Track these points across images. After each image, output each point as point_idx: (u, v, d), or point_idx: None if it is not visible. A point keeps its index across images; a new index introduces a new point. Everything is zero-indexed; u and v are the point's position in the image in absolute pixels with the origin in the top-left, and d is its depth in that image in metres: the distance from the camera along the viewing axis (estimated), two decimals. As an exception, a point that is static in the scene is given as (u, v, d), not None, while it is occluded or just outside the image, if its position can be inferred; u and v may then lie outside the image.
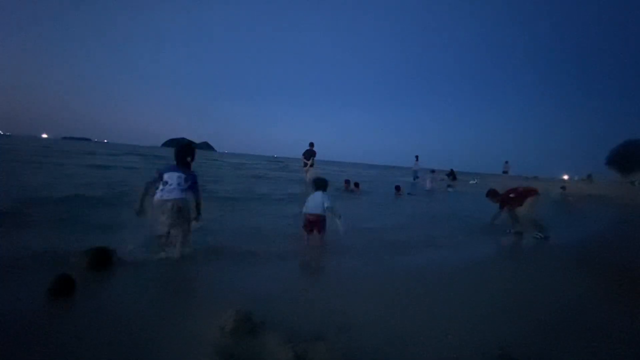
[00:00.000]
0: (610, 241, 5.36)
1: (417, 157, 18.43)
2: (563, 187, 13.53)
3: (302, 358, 1.54)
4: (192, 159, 3.16)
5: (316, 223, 3.76)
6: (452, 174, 22.03)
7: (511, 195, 5.13)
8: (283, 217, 5.37)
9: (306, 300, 2.26)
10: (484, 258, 3.83)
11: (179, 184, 2.94)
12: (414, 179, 16.91)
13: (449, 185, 15.09)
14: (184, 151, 3.10)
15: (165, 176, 2.97)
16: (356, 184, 10.28)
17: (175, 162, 3.08)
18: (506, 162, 22.78)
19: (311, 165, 10.86)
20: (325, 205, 3.74)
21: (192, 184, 3.03)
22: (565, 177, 26.08)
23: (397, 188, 10.56)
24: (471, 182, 20.46)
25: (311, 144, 10.89)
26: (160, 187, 2.95)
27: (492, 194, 5.36)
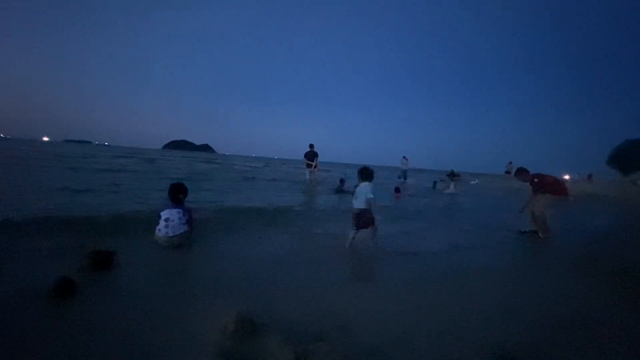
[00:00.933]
0: (617, 242, 5.27)
1: (405, 157, 18.67)
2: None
3: (302, 359, 1.53)
4: (185, 196, 3.59)
5: (360, 217, 3.55)
6: (453, 175, 22.01)
7: (535, 180, 4.89)
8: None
9: (306, 301, 2.25)
10: (491, 260, 3.81)
11: (179, 219, 3.35)
12: (404, 179, 16.95)
13: (452, 180, 15.02)
14: (177, 190, 3.53)
15: (165, 214, 3.35)
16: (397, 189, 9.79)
17: (170, 201, 3.49)
18: (509, 162, 22.77)
19: (316, 166, 11.03)
20: (368, 196, 3.51)
21: (189, 217, 3.47)
22: (567, 177, 25.98)
23: (397, 190, 9.90)
24: (472, 182, 20.45)
25: (311, 146, 10.98)
26: (163, 224, 3.31)
27: (520, 172, 5.10)
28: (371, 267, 3.41)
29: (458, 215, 7.14)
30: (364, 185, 3.60)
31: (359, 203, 3.56)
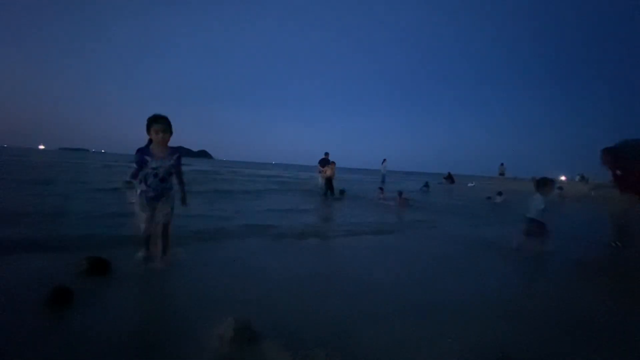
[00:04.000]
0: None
1: (384, 160, 18.93)
2: (560, 188, 13.50)
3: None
4: None
5: (530, 226, 3.82)
6: (449, 177, 22.10)
7: (617, 172, 4.30)
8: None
9: (305, 307, 2.24)
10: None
11: None
12: (382, 182, 17.16)
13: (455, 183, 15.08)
14: None
15: None
16: (400, 194, 9.40)
17: None
18: (502, 165, 22.94)
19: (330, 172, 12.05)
20: (539, 207, 3.78)
21: None
22: (563, 177, 26.12)
23: (400, 194, 9.43)
24: (469, 184, 20.57)
25: (326, 154, 12.40)
26: None
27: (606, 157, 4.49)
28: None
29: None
30: (537, 197, 3.90)
31: (531, 213, 3.87)
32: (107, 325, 1.87)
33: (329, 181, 10.45)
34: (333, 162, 11.13)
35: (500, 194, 11.47)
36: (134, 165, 2.73)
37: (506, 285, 2.94)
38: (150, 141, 2.76)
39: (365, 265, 3.32)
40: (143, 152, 2.73)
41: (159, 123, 2.71)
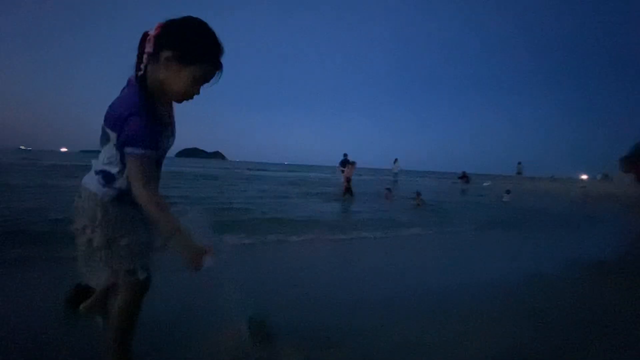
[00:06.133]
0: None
1: (396, 159, 18.64)
2: (583, 187, 13.02)
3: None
4: None
5: None
6: (464, 177, 21.69)
7: None
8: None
9: (319, 306, 2.24)
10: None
11: None
12: (393, 182, 16.83)
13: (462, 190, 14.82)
14: None
15: None
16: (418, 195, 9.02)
17: None
18: (519, 164, 22.34)
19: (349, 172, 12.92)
20: None
21: None
22: (584, 176, 25.15)
23: (418, 195, 9.01)
24: (485, 184, 20.12)
25: (345, 155, 13.05)
26: None
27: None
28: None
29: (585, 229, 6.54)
30: None
31: None
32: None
33: (347, 182, 10.48)
34: (354, 162, 11.28)
35: (508, 192, 11.40)
36: None
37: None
38: None
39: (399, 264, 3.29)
40: None
41: None
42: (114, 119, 1.08)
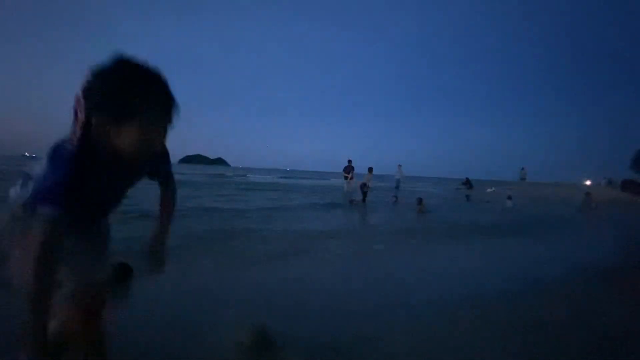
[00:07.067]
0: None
1: (399, 165, 18.70)
2: (588, 194, 12.82)
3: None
4: None
5: None
6: (467, 183, 21.63)
7: None
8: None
9: (323, 313, 2.22)
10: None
11: None
12: (396, 188, 16.67)
13: (467, 196, 14.76)
14: None
15: None
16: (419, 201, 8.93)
17: None
18: (522, 169, 22.26)
19: (351, 178, 13.21)
20: None
21: None
22: (588, 182, 24.89)
23: (419, 201, 8.94)
24: (488, 190, 20.01)
25: (349, 161, 13.16)
26: None
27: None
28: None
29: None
30: None
31: None
32: (123, 331, 1.90)
33: (363, 187, 10.82)
34: (370, 168, 11.61)
35: (509, 198, 11.39)
36: None
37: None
38: None
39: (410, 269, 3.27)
40: None
41: None
42: None
